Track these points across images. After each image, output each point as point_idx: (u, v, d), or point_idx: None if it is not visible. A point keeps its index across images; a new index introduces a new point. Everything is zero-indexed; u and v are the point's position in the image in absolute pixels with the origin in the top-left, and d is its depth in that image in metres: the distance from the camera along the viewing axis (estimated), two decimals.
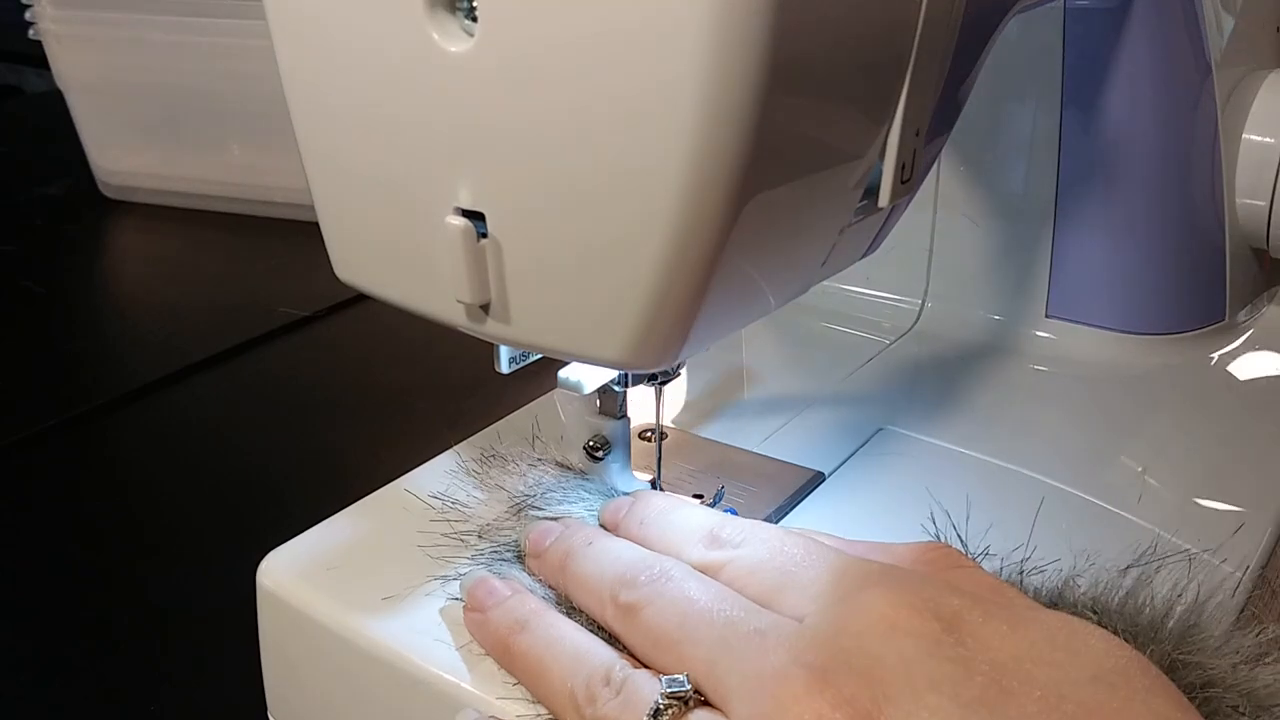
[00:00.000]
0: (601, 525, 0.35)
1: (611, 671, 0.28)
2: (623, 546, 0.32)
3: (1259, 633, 0.28)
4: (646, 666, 0.28)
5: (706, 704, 0.27)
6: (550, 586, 0.33)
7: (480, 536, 0.36)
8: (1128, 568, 0.31)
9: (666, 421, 0.41)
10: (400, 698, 0.32)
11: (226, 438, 0.63)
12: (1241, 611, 0.34)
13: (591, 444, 0.38)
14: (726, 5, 0.23)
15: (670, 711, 0.26)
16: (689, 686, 0.27)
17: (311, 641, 0.35)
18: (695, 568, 0.30)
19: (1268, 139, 0.51)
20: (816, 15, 0.24)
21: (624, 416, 0.37)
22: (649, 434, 0.41)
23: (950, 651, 0.24)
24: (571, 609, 0.32)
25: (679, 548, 0.31)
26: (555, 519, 0.36)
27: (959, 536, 0.33)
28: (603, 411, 0.37)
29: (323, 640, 0.34)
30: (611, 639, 0.30)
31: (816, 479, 0.41)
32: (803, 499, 0.41)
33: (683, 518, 0.33)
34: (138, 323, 0.81)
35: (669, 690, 0.26)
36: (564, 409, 0.40)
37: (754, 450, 0.43)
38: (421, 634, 0.33)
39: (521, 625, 0.31)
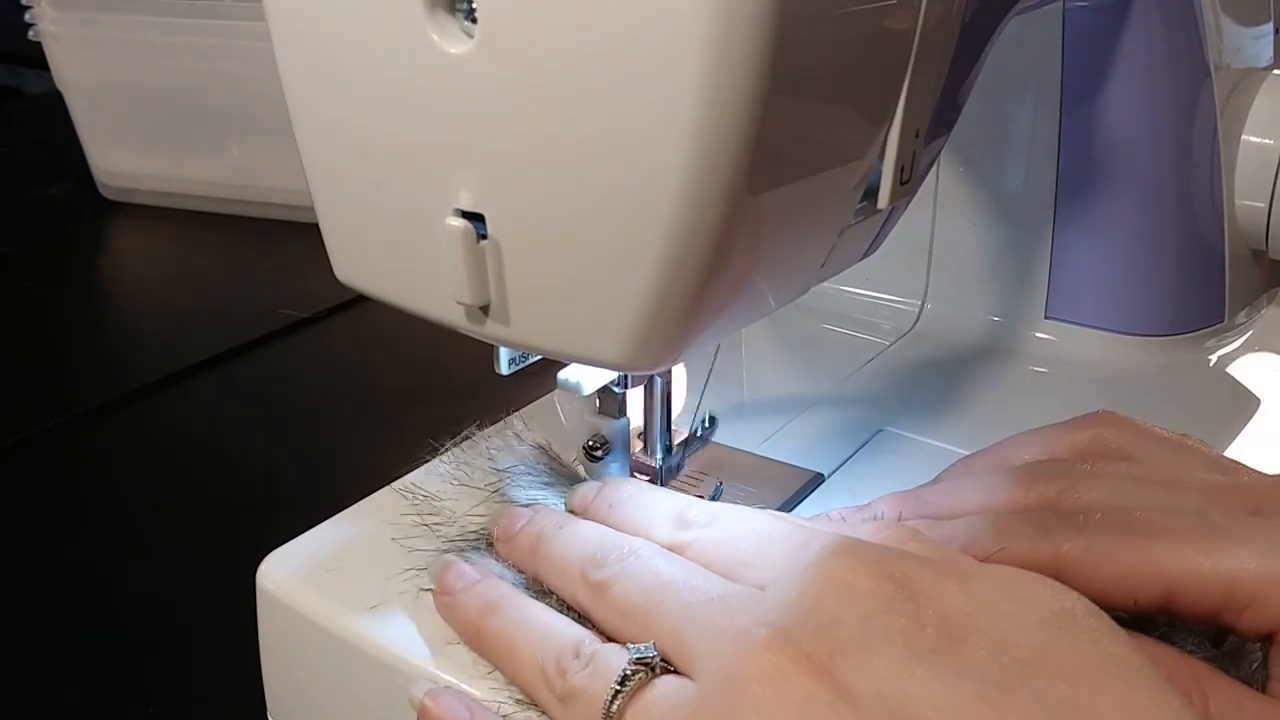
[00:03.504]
0: (570, 511, 0.36)
1: (581, 646, 0.29)
2: (592, 529, 0.33)
3: None
4: (617, 643, 0.29)
5: (673, 671, 0.27)
6: (520, 572, 0.34)
7: (457, 533, 0.36)
8: None
9: None
10: (399, 699, 0.32)
11: (226, 439, 0.63)
12: None
13: (590, 444, 0.38)
14: (727, 7, 0.23)
15: (637, 678, 0.27)
16: (655, 653, 0.27)
17: (311, 643, 0.35)
18: (663, 547, 0.31)
19: (1267, 140, 0.51)
20: (816, 20, 0.24)
21: (624, 416, 0.37)
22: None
23: (903, 607, 0.25)
24: (540, 592, 0.32)
25: (647, 529, 0.32)
26: (526, 505, 0.36)
27: None
28: (602, 411, 0.37)
29: (322, 642, 0.34)
30: (582, 621, 0.31)
31: (816, 480, 0.41)
32: (802, 500, 0.41)
33: (651, 500, 0.34)
34: (137, 324, 0.81)
35: (636, 657, 0.27)
36: (563, 409, 0.40)
37: (754, 451, 0.43)
38: (421, 635, 0.33)
39: (492, 607, 0.31)
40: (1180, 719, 0.23)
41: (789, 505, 0.40)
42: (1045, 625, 0.25)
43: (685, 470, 0.40)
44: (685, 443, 0.39)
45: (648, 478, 0.38)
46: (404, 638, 0.33)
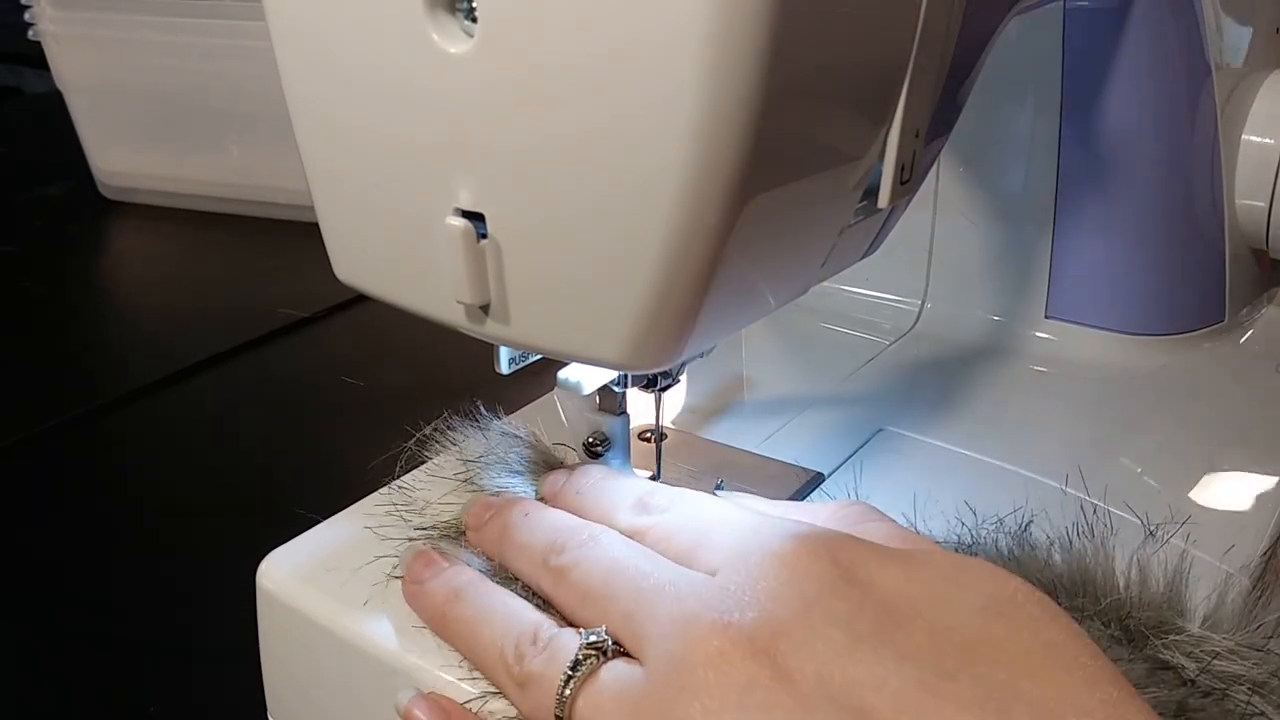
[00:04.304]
0: (541, 498, 0.36)
1: (539, 631, 0.29)
2: (557, 516, 0.33)
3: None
4: (577, 628, 0.30)
5: (625, 655, 0.28)
6: (489, 559, 0.34)
7: (421, 514, 0.37)
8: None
9: (666, 423, 0.42)
10: None
11: (226, 439, 0.63)
12: (1239, 613, 0.34)
13: (591, 440, 0.38)
14: (727, 7, 0.23)
15: (589, 662, 0.28)
16: (607, 638, 0.28)
17: (311, 642, 0.35)
18: (624, 532, 0.32)
19: (1267, 140, 0.51)
20: (816, 21, 0.24)
21: (624, 413, 0.38)
22: (649, 435, 0.41)
23: (845, 591, 0.26)
24: (507, 579, 0.33)
25: (610, 514, 0.33)
26: (496, 493, 0.37)
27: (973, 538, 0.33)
28: (602, 409, 0.37)
29: (322, 641, 0.34)
30: (546, 607, 0.31)
31: (816, 479, 0.41)
32: (803, 500, 0.41)
33: (616, 486, 0.34)
34: (137, 323, 0.81)
35: (588, 642, 0.28)
36: (564, 406, 0.40)
37: (754, 451, 0.43)
38: (420, 635, 0.33)
39: (457, 594, 0.32)
40: (1119, 707, 0.23)
41: None
42: (985, 611, 0.25)
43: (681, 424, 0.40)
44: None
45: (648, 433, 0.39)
46: (404, 637, 0.33)
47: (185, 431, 0.64)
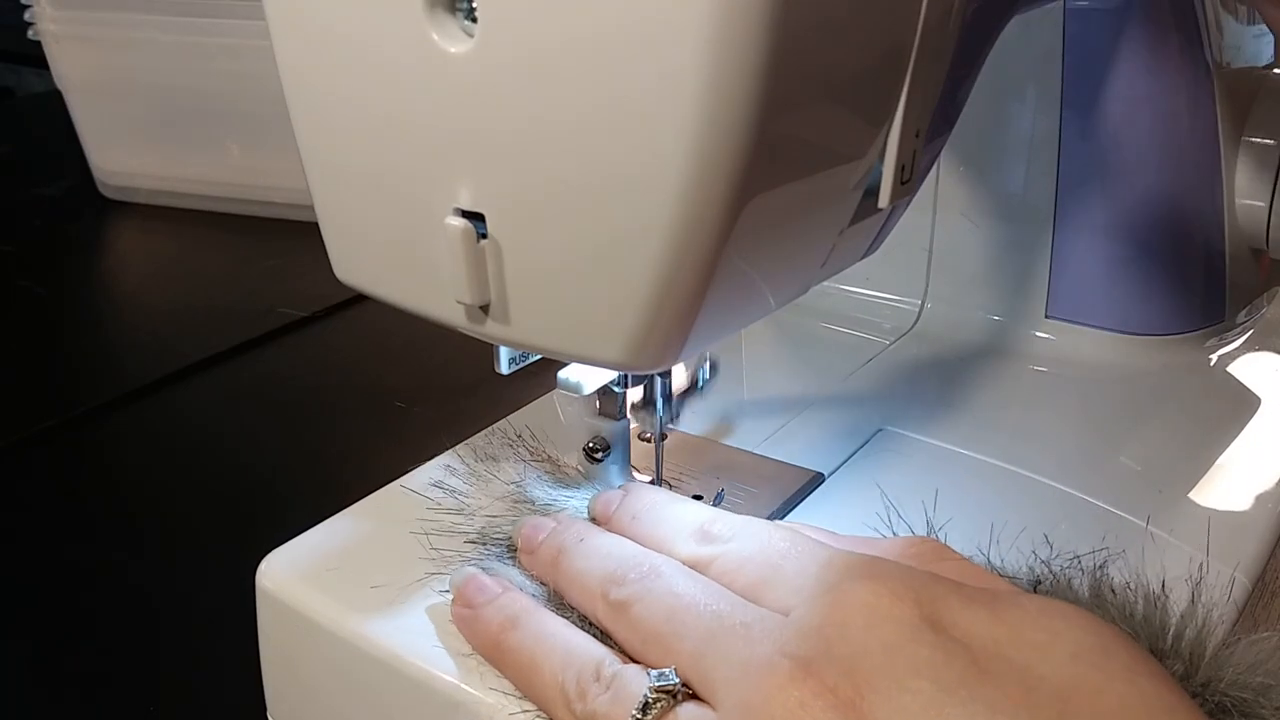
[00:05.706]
0: (592, 518, 0.35)
1: (601, 667, 0.28)
2: (614, 543, 0.32)
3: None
4: (637, 663, 0.29)
5: (695, 697, 0.27)
6: (542, 583, 0.33)
7: (478, 534, 0.36)
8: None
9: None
10: (399, 699, 0.32)
11: (226, 438, 0.63)
12: (1240, 614, 0.34)
13: (591, 445, 0.38)
14: (726, 7, 0.23)
15: (659, 705, 0.26)
16: (677, 680, 0.27)
17: (311, 642, 0.35)
18: (685, 563, 0.30)
19: (1268, 140, 0.51)
20: (817, 17, 0.24)
21: (624, 418, 0.37)
22: (649, 435, 0.41)
23: (930, 638, 0.25)
24: (561, 605, 0.32)
25: (670, 543, 0.32)
26: (548, 512, 0.36)
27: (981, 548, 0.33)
28: (602, 413, 0.37)
29: (322, 641, 0.34)
30: (603, 637, 0.30)
31: (816, 480, 0.41)
32: (803, 500, 0.41)
33: (674, 513, 0.33)
34: (137, 323, 0.81)
35: (657, 684, 0.27)
36: (564, 410, 0.40)
37: (754, 451, 0.43)
38: (421, 635, 0.33)
39: (513, 622, 0.31)
40: None
41: (789, 505, 0.40)
42: (1077, 660, 0.24)
43: (681, 424, 0.40)
44: (685, 393, 0.39)
45: (647, 433, 0.38)
46: (405, 637, 0.33)
47: (185, 431, 0.64)
